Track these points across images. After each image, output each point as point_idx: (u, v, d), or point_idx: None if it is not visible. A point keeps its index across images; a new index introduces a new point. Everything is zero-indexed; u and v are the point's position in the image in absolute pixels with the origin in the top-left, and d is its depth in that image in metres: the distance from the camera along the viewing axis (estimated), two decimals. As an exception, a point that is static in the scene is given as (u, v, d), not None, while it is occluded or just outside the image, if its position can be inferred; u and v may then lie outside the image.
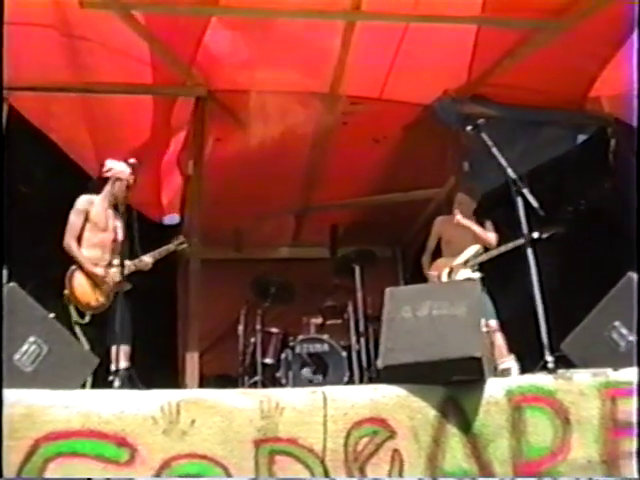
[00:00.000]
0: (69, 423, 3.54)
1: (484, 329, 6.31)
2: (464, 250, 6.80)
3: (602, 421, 4.05)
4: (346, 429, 3.80)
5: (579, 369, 4.46)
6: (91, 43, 6.70)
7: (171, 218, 9.11)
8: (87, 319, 5.82)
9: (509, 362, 6.29)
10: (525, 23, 6.76)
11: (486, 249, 6.74)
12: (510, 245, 6.29)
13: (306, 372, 7.07)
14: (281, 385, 6.91)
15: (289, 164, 8.12)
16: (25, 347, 4.32)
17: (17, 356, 4.28)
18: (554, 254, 6.40)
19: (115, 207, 6.16)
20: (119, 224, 6.03)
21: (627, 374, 4.18)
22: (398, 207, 9.16)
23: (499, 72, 7.28)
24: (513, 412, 3.99)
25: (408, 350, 4.14)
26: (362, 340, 7.34)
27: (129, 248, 5.86)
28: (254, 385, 7.17)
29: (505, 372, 6.05)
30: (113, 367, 5.47)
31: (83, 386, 4.57)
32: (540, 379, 4.21)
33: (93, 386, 4.74)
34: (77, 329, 5.65)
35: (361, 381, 6.96)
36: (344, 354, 7.15)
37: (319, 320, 7.75)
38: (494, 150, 5.23)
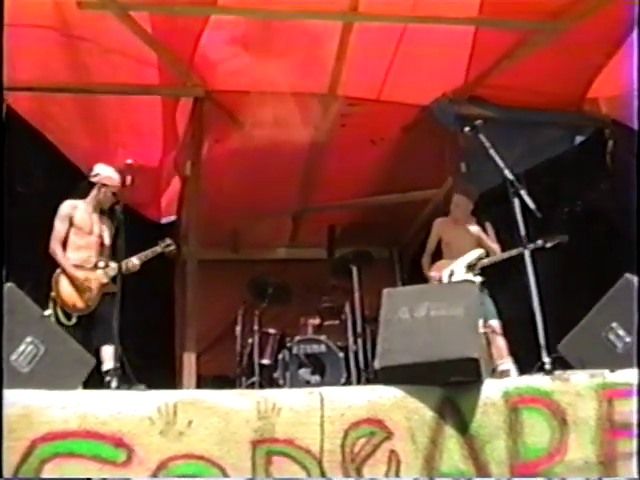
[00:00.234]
0: (66, 424, 3.54)
1: (486, 330, 6.38)
2: (464, 251, 6.80)
3: (599, 422, 4.05)
4: (343, 430, 3.80)
5: (576, 370, 4.46)
6: (89, 43, 6.70)
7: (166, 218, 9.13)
8: (74, 321, 5.87)
9: (508, 364, 6.30)
10: (522, 25, 6.77)
11: (488, 253, 6.75)
12: (514, 252, 6.27)
13: (303, 373, 7.07)
14: (278, 386, 6.90)
15: (287, 165, 8.12)
16: (22, 347, 4.32)
17: (14, 356, 4.28)
18: (551, 255, 6.39)
19: (103, 210, 6.21)
20: (106, 227, 6.20)
21: (624, 375, 4.18)
22: (396, 208, 9.16)
23: (497, 73, 7.29)
24: (510, 413, 4.00)
25: (405, 351, 4.14)
26: (359, 341, 7.33)
27: (125, 250, 5.89)
28: (251, 386, 7.17)
29: (504, 373, 6.05)
30: (103, 367, 5.55)
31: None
32: (537, 380, 4.21)
33: (84, 387, 4.73)
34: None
35: (358, 382, 6.96)
36: (341, 355, 7.15)
37: (316, 321, 7.74)
38: (491, 151, 5.23)
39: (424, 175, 8.45)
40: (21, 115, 7.10)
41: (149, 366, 6.25)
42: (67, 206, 6.22)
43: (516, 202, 4.96)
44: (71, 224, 6.17)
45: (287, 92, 7.20)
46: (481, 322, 4.38)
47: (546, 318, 4.67)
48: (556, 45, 6.79)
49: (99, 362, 5.52)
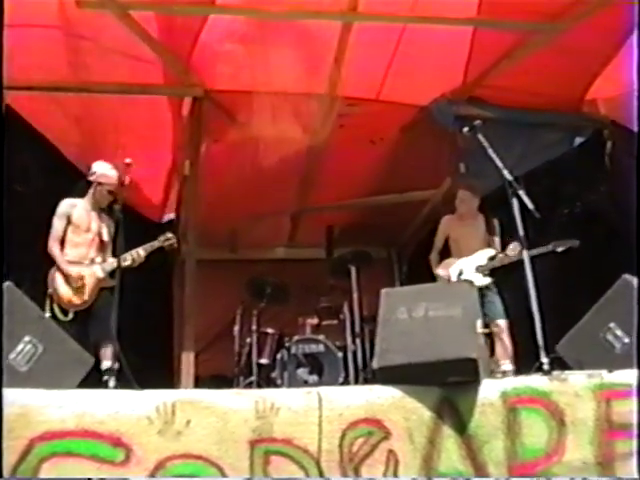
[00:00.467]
0: (64, 423, 3.53)
1: (493, 329, 6.39)
2: (472, 249, 6.79)
3: (597, 423, 4.05)
4: (341, 430, 3.80)
5: (574, 371, 4.46)
6: (88, 42, 6.70)
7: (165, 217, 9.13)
8: (70, 316, 5.92)
9: (509, 365, 6.29)
10: (521, 25, 6.77)
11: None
12: (526, 255, 6.26)
13: (301, 372, 7.08)
14: (276, 385, 6.91)
15: (285, 165, 8.11)
16: (20, 346, 4.33)
17: (12, 355, 4.28)
18: (550, 256, 6.40)
19: (106, 208, 6.22)
20: (105, 224, 6.25)
21: (622, 376, 4.18)
22: (394, 208, 9.16)
23: (496, 74, 7.29)
24: (508, 413, 4.00)
25: (403, 351, 4.14)
26: (357, 341, 7.35)
27: (124, 249, 5.91)
28: (249, 385, 7.18)
29: (505, 373, 6.05)
30: (102, 366, 5.57)
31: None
32: (535, 380, 4.21)
33: (82, 385, 4.73)
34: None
35: (356, 382, 6.97)
36: (339, 355, 7.16)
37: (315, 321, 7.75)
38: (490, 152, 5.23)
39: (423, 175, 8.45)
40: (19, 114, 7.09)
41: (147, 365, 6.24)
42: (65, 204, 6.28)
43: (515, 203, 4.97)
44: (69, 222, 6.22)
45: (286, 92, 7.20)
46: (479, 322, 4.38)
47: (544, 319, 4.67)
48: (555, 46, 6.79)
49: (97, 359, 5.52)
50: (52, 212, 6.28)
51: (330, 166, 8.35)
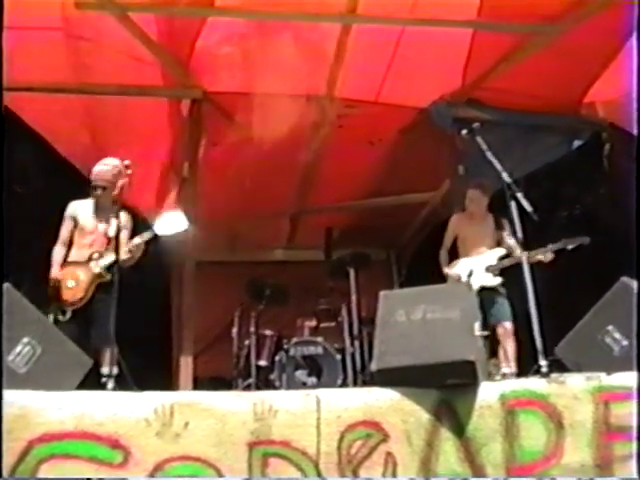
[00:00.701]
0: (62, 425, 3.53)
1: (499, 331, 6.38)
2: (481, 249, 6.78)
3: (595, 425, 4.05)
4: (339, 432, 3.80)
5: (573, 373, 4.46)
6: (88, 44, 6.70)
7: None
8: (68, 315, 5.89)
9: (511, 368, 6.28)
10: (520, 28, 6.78)
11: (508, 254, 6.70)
12: (535, 254, 6.25)
13: (300, 375, 7.07)
14: (275, 388, 6.91)
15: (284, 166, 8.12)
16: (19, 348, 4.32)
17: (11, 357, 4.28)
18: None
19: (106, 207, 6.23)
20: (110, 223, 6.05)
21: (620, 378, 4.18)
22: (393, 210, 9.17)
23: (494, 76, 7.30)
24: (506, 416, 4.00)
25: (402, 353, 4.14)
26: (356, 343, 7.34)
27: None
28: (248, 387, 7.17)
29: (505, 376, 6.04)
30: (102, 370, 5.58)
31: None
32: (534, 383, 4.21)
33: (81, 387, 4.73)
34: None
35: (355, 384, 6.96)
36: (338, 357, 7.15)
37: (313, 323, 7.75)
38: (489, 154, 5.24)
39: (421, 177, 8.46)
40: (19, 115, 7.09)
41: (146, 367, 6.24)
42: (70, 207, 6.28)
43: (513, 205, 4.97)
44: (75, 224, 6.23)
45: (285, 94, 7.20)
46: (478, 325, 4.38)
47: (543, 321, 4.67)
48: (554, 48, 6.80)
49: (97, 362, 5.51)
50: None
51: (329, 168, 8.36)
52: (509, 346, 6.40)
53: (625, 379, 4.15)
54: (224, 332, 8.14)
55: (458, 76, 7.47)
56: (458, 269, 6.78)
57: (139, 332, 7.83)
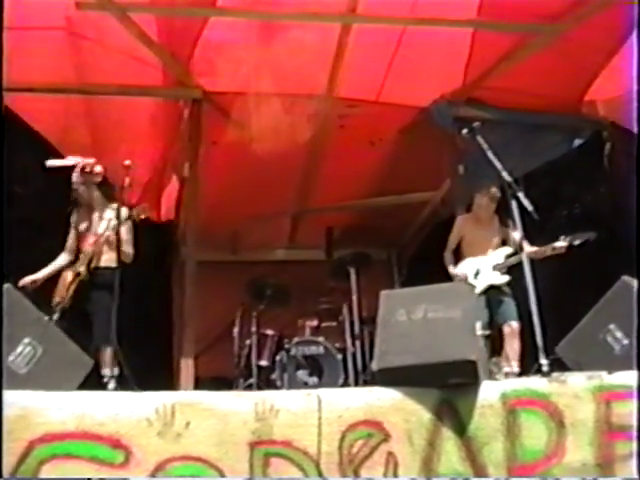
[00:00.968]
0: (63, 425, 3.53)
1: (505, 330, 6.38)
2: (486, 251, 6.77)
3: (597, 424, 4.06)
4: (341, 432, 3.80)
5: (574, 372, 4.46)
6: (88, 44, 6.71)
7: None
8: (56, 316, 5.89)
9: (514, 368, 6.28)
10: (521, 27, 6.78)
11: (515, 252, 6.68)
12: (544, 250, 6.24)
13: (301, 374, 7.07)
14: (276, 387, 6.90)
15: (285, 166, 8.10)
16: (20, 348, 4.33)
17: (12, 357, 4.29)
18: (549, 257, 6.40)
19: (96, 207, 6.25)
20: (106, 220, 6.10)
21: (622, 377, 4.18)
22: (394, 210, 9.16)
23: (495, 75, 7.29)
24: (508, 415, 4.00)
25: (403, 353, 4.14)
26: (357, 343, 7.34)
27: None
28: (249, 387, 7.17)
29: (507, 375, 6.03)
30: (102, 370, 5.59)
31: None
32: (535, 382, 4.22)
33: (81, 388, 4.73)
34: None
35: (356, 384, 6.96)
36: (339, 357, 7.15)
37: (314, 322, 7.74)
38: (489, 153, 5.23)
39: (422, 177, 8.45)
40: (19, 115, 7.09)
41: (147, 367, 6.23)
42: (72, 215, 6.34)
43: (514, 204, 4.97)
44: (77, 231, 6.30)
45: (285, 93, 7.20)
46: (479, 324, 4.38)
47: (544, 320, 4.67)
48: (554, 47, 6.80)
49: (96, 361, 5.52)
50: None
51: (330, 167, 8.35)
52: (515, 345, 6.40)
53: (626, 378, 4.16)
54: (225, 332, 8.13)
55: (459, 75, 7.47)
56: (465, 269, 6.77)
57: (140, 332, 7.82)
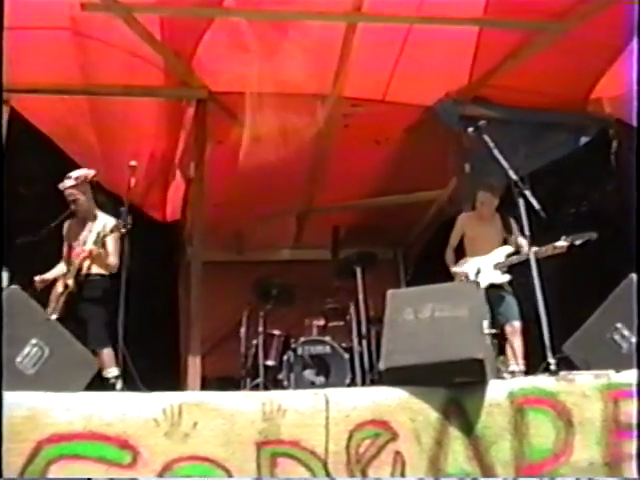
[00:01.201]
0: (71, 425, 3.54)
1: (508, 330, 6.37)
2: (489, 249, 6.75)
3: (604, 423, 4.05)
4: (348, 431, 3.80)
5: (581, 371, 4.45)
6: (93, 45, 6.71)
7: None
8: None
9: (520, 366, 6.27)
10: (527, 25, 6.76)
11: (517, 251, 6.67)
12: (545, 250, 6.23)
13: (308, 374, 7.07)
14: (283, 387, 6.91)
15: (290, 166, 8.09)
16: (27, 350, 4.33)
17: (19, 359, 4.29)
18: (556, 255, 6.39)
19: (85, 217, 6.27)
20: (90, 235, 6.15)
21: (629, 376, 4.17)
22: (400, 209, 9.15)
23: (501, 74, 7.28)
24: (515, 414, 3.99)
25: (410, 352, 4.13)
26: (364, 342, 7.33)
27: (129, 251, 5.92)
28: (256, 387, 7.17)
29: (514, 374, 6.03)
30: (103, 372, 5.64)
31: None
32: (542, 381, 4.21)
33: (88, 389, 4.74)
34: None
35: (363, 383, 6.96)
36: (346, 356, 7.15)
37: (321, 322, 7.74)
38: (495, 152, 5.23)
39: (428, 176, 8.44)
40: (24, 116, 7.10)
41: (154, 368, 6.25)
42: (64, 228, 6.38)
43: (521, 203, 4.96)
44: (68, 242, 6.33)
45: (291, 93, 7.19)
46: (486, 323, 4.37)
47: (551, 319, 4.67)
48: (560, 45, 6.78)
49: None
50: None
51: (335, 167, 8.35)
52: (517, 344, 6.39)
53: (634, 376, 4.14)
54: (232, 332, 8.14)
55: (464, 74, 7.46)
56: (466, 267, 6.76)
57: (147, 332, 7.84)
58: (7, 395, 3.54)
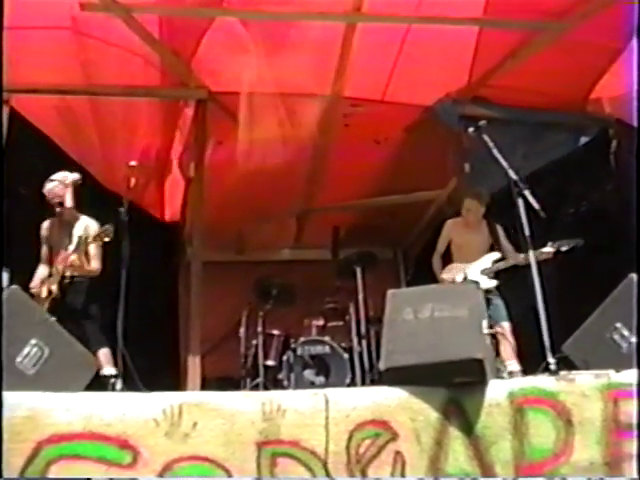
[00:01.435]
0: (71, 426, 3.54)
1: (497, 331, 6.38)
2: (475, 256, 6.78)
3: (604, 423, 4.05)
4: (348, 431, 3.79)
5: (581, 371, 4.46)
6: (94, 44, 6.71)
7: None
8: None
9: (514, 365, 6.29)
10: (527, 24, 6.76)
11: (503, 257, 6.70)
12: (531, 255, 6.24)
13: (308, 374, 7.08)
14: (283, 387, 6.91)
15: (290, 166, 8.09)
16: (27, 350, 4.33)
17: (19, 359, 4.29)
18: (556, 255, 6.39)
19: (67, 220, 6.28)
20: (73, 237, 6.17)
21: (629, 376, 4.17)
22: (399, 209, 9.15)
23: (501, 74, 7.28)
24: (515, 414, 3.99)
25: (410, 352, 4.13)
26: (364, 342, 7.34)
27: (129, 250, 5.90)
28: (256, 387, 7.18)
29: (512, 374, 6.04)
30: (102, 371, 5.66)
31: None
32: (542, 381, 4.21)
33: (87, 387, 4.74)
34: None
35: (363, 383, 6.96)
36: (346, 356, 7.15)
37: (321, 322, 7.74)
38: (495, 152, 5.23)
39: (428, 176, 8.44)
40: (25, 117, 7.10)
41: (154, 368, 6.25)
42: (42, 229, 6.43)
43: (520, 203, 4.96)
44: (48, 244, 6.37)
45: (290, 93, 7.19)
46: (485, 323, 4.37)
47: (551, 319, 4.67)
48: (560, 45, 6.78)
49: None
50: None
51: (335, 167, 8.35)
52: (507, 346, 6.42)
53: (634, 376, 4.15)
54: (231, 332, 8.14)
55: (464, 74, 7.46)
56: (452, 273, 6.79)
57: (146, 332, 7.83)
58: (7, 395, 3.54)
